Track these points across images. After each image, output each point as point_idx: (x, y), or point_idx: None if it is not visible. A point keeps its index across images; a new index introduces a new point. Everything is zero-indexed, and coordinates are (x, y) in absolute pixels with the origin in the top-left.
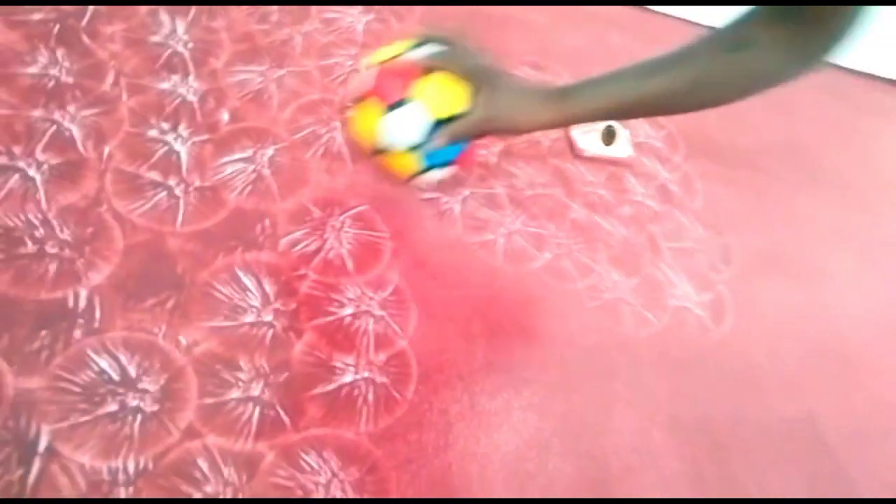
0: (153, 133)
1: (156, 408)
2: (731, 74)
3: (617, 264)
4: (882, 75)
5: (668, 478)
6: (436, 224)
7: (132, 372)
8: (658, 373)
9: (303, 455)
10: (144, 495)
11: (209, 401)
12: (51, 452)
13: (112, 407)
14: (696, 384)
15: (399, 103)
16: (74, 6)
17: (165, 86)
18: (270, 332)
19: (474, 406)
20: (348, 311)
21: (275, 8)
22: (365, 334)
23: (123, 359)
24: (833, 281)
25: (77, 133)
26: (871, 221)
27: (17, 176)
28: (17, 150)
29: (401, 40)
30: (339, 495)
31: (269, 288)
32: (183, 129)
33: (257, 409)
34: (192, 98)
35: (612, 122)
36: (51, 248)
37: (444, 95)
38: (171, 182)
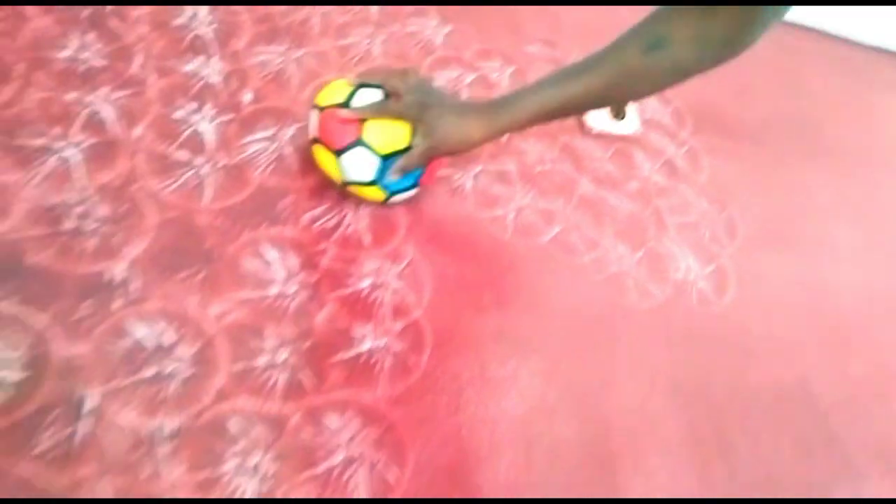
0: (180, 114)
1: (190, 373)
2: (646, 73)
3: (623, 238)
4: (890, 48)
5: (667, 440)
6: (448, 200)
7: (167, 340)
8: (659, 342)
9: (326, 416)
10: (182, 453)
11: (239, 366)
12: (96, 413)
13: (150, 372)
14: (696, 353)
15: (346, 147)
16: None
17: (190, 67)
18: (294, 303)
19: (484, 372)
20: (366, 283)
21: None
22: (382, 305)
23: (159, 328)
24: (833, 252)
25: (109, 115)
26: (873, 194)
27: (55, 157)
28: (55, 132)
29: (340, 81)
30: (359, 453)
31: (293, 261)
32: (208, 110)
33: (283, 375)
34: (216, 79)
35: None
36: (89, 225)
37: (384, 136)
38: (199, 161)
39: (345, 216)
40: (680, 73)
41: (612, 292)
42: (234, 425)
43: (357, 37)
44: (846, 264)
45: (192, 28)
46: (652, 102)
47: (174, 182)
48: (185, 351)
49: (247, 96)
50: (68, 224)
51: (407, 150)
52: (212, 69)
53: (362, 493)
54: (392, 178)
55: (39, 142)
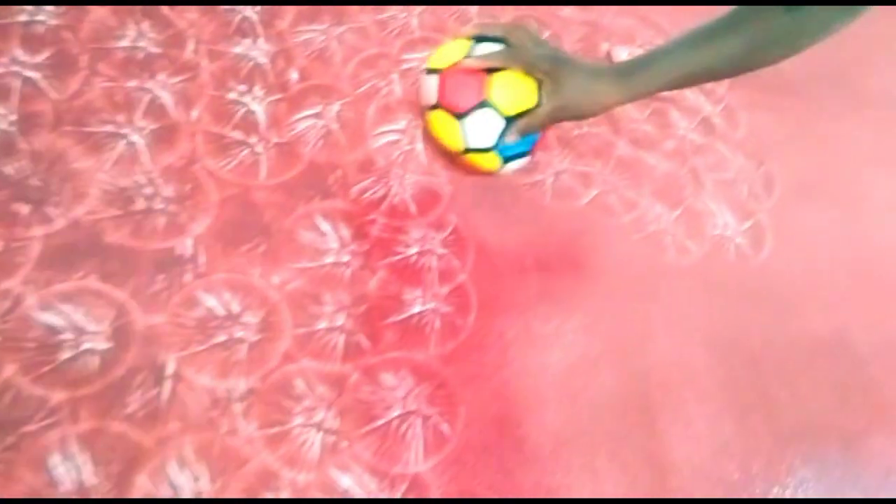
0: (233, 95)
1: (258, 338)
2: (788, 33)
3: (660, 197)
4: None
5: (705, 389)
6: None
7: (235, 308)
8: (697, 297)
9: (382, 375)
10: (254, 410)
11: (301, 330)
12: (177, 376)
13: (222, 337)
14: (733, 306)
15: (470, 110)
16: None
17: (239, 49)
18: (348, 270)
19: (528, 330)
20: (414, 250)
21: None
22: (429, 270)
23: (227, 297)
24: (872, 203)
25: (168, 99)
26: None
27: (123, 142)
28: (120, 118)
29: (456, 40)
30: (414, 408)
31: (345, 232)
32: (258, 90)
33: (342, 337)
34: (263, 60)
35: None
36: (158, 205)
37: (511, 94)
38: (253, 140)
39: (391, 187)
40: (820, 33)
41: (651, 250)
42: (300, 384)
43: (395, 10)
44: (885, 213)
45: (238, 10)
46: None
47: (232, 161)
48: (252, 318)
49: (293, 75)
50: (139, 204)
51: (532, 110)
52: (259, 50)
53: (419, 445)
54: (510, 139)
55: (107, 129)
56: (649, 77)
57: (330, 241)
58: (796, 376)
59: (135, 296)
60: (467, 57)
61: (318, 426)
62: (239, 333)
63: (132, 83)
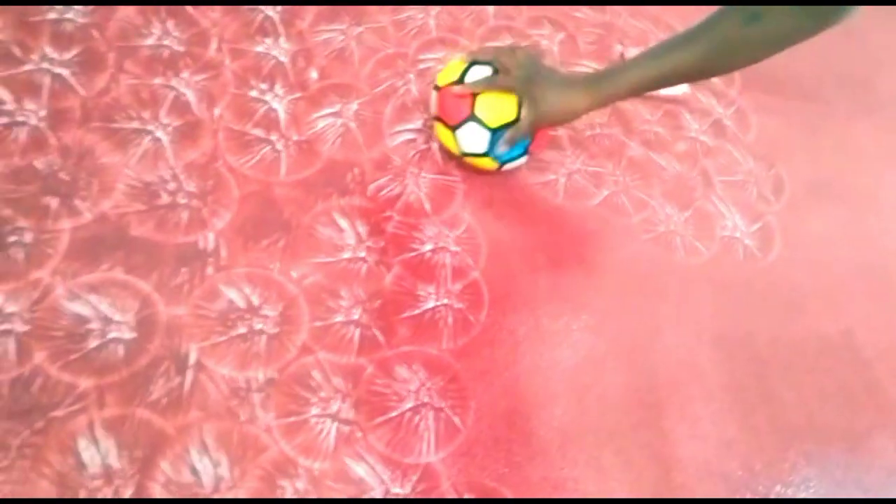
0: (254, 93)
1: (276, 330)
2: (745, 44)
3: (670, 198)
4: None
5: (711, 388)
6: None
7: (255, 301)
8: (705, 297)
9: (396, 367)
10: (273, 401)
11: (318, 324)
12: (199, 366)
13: (242, 329)
14: (741, 306)
15: (460, 123)
16: None
17: (261, 48)
18: (365, 266)
19: (538, 327)
20: (428, 247)
21: None
22: (443, 267)
23: (248, 290)
24: (880, 206)
25: (192, 97)
26: None
27: (148, 138)
28: (145, 115)
29: (455, 62)
30: (426, 401)
31: (362, 228)
32: (279, 89)
33: (357, 331)
34: (284, 59)
35: None
36: (181, 199)
37: (494, 111)
38: (273, 137)
39: (406, 185)
40: (778, 44)
41: (660, 250)
42: (316, 376)
43: (412, 10)
44: (893, 216)
45: (260, 10)
46: None
47: (253, 158)
48: (271, 310)
49: (313, 74)
50: (163, 199)
51: (515, 122)
52: (280, 49)
53: (431, 436)
54: (502, 149)
55: (133, 125)
56: (616, 84)
57: (347, 237)
58: (802, 376)
59: (159, 288)
60: (459, 80)
61: (334, 416)
62: (258, 326)
63: (157, 80)
